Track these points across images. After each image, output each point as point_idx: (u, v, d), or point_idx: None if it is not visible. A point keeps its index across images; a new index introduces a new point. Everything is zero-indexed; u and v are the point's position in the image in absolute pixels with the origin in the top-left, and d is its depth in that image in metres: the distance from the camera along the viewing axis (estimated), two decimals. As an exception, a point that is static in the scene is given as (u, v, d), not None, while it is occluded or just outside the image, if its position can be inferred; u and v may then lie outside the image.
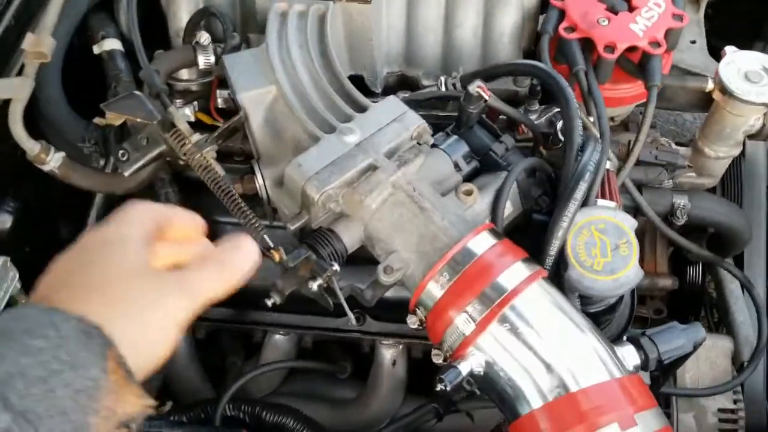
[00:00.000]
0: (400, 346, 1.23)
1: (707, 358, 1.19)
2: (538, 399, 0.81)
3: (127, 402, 0.57)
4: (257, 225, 0.87)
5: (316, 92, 0.98)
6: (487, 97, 1.00)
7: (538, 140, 1.08)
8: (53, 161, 1.05)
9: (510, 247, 0.88)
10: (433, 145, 1.00)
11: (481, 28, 1.20)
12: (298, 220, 0.91)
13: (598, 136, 0.99)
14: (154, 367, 0.60)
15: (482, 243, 0.87)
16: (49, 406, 0.51)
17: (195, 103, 1.18)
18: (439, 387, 0.81)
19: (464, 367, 0.82)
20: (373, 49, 1.18)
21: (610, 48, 1.07)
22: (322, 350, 1.32)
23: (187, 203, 1.17)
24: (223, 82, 1.10)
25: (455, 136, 1.02)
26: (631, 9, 1.10)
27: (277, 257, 0.84)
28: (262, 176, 0.98)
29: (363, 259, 0.93)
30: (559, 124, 1.09)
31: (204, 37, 1.12)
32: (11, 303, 0.98)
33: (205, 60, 1.12)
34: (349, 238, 0.91)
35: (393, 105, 0.96)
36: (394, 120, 0.94)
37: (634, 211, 1.15)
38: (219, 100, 1.17)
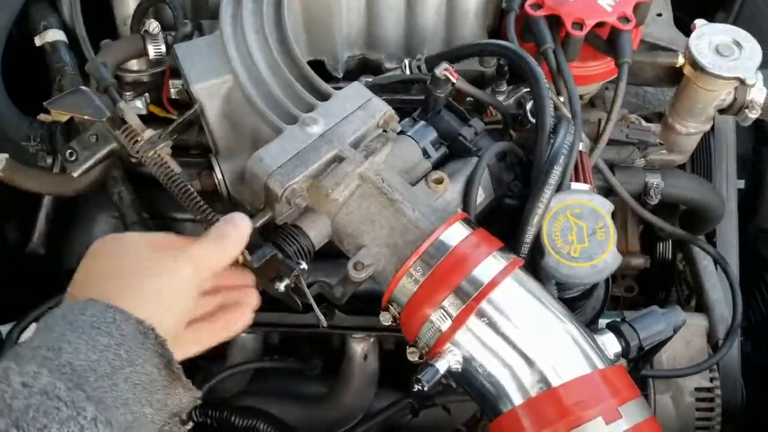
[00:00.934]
0: (371, 340, 1.20)
1: (683, 337, 1.18)
2: (519, 395, 0.78)
3: (177, 395, 0.67)
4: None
5: (275, 81, 0.93)
6: (454, 81, 0.96)
7: (508, 122, 1.05)
8: (-5, 164, 0.99)
9: (485, 237, 0.85)
10: (401, 132, 0.96)
11: (444, 6, 1.15)
12: (262, 217, 0.86)
13: (570, 116, 0.96)
14: (177, 331, 0.70)
15: (456, 234, 0.83)
16: (115, 397, 0.61)
17: (147, 94, 1.12)
18: (417, 388, 0.77)
19: (441, 365, 0.79)
20: (333, 32, 1.13)
21: (579, 25, 1.03)
22: (290, 346, 1.28)
23: (142, 201, 1.12)
24: (176, 72, 1.04)
25: (423, 122, 0.98)
26: (599, -17, 1.06)
27: (240, 258, 0.79)
28: (221, 171, 0.94)
29: (332, 254, 0.90)
30: (529, 105, 1.06)
31: (153, 26, 1.05)
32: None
33: (155, 50, 1.06)
34: (316, 233, 0.87)
35: (357, 92, 0.92)
36: (358, 108, 0.90)
37: (607, 191, 1.13)
38: (172, 91, 1.11)
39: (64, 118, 0.92)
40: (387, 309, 0.86)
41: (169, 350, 0.66)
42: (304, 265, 0.82)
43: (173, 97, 1.11)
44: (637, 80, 1.22)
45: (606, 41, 1.07)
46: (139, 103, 1.12)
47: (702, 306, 1.26)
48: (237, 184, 0.93)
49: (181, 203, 0.84)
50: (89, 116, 0.85)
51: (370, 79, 1.11)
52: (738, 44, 1.05)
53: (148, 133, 0.87)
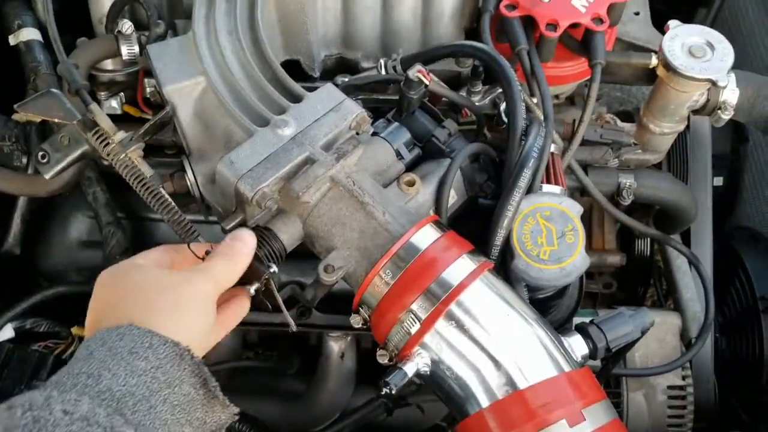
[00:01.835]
0: (348, 338, 1.20)
1: (656, 336, 1.19)
2: (486, 398, 0.79)
3: (216, 412, 0.70)
4: (189, 228, 0.83)
5: (247, 82, 0.93)
6: (427, 82, 0.97)
7: (482, 123, 1.05)
8: (-32, 164, 0.99)
9: (455, 240, 0.85)
10: (374, 133, 0.96)
11: (420, 7, 1.15)
12: (233, 219, 0.86)
13: (542, 118, 0.97)
14: (202, 340, 0.72)
15: (426, 237, 0.84)
16: (154, 418, 0.63)
17: (122, 94, 1.12)
18: (384, 390, 0.78)
19: (410, 368, 0.79)
20: (309, 31, 1.13)
21: (553, 26, 1.04)
22: (269, 344, 1.29)
23: (118, 201, 1.11)
24: (151, 72, 1.04)
25: (396, 123, 0.98)
26: (573, -16, 1.06)
27: None
28: (193, 173, 0.93)
29: (310, 253, 0.90)
30: (503, 106, 1.06)
31: (126, 26, 1.05)
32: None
33: (128, 50, 1.06)
34: (288, 236, 0.87)
35: (329, 94, 0.91)
36: (331, 110, 0.89)
37: (580, 191, 1.14)
38: (147, 90, 1.10)
39: (38, 118, 0.92)
40: (357, 311, 0.87)
41: (205, 369, 0.68)
42: (274, 268, 0.82)
43: (148, 96, 1.11)
44: (615, 79, 1.22)
45: (580, 42, 1.07)
46: (114, 103, 1.11)
47: (675, 304, 1.27)
48: (209, 186, 0.93)
49: (151, 206, 0.84)
50: (60, 119, 0.85)
51: (347, 79, 1.12)
52: (711, 46, 1.05)
53: (120, 135, 0.86)
